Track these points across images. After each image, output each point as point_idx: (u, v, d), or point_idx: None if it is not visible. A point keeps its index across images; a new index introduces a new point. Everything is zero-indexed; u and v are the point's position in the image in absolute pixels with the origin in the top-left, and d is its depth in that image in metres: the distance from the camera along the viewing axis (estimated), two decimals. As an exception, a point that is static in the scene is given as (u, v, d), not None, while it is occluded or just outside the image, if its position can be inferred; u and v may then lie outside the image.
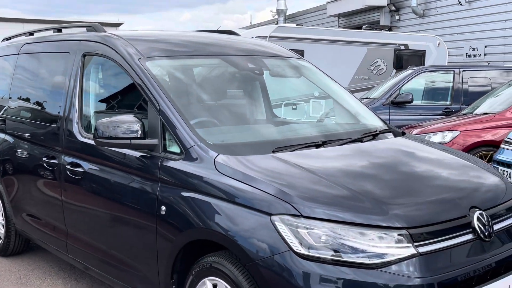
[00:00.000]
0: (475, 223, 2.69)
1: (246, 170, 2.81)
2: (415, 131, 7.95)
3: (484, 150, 7.37)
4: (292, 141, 3.28)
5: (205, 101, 3.86)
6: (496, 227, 2.80)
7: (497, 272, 2.70)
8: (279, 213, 2.56)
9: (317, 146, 3.24)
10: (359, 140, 3.47)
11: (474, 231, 2.68)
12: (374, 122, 3.95)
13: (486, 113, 7.78)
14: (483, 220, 2.72)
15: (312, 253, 2.47)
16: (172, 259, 2.95)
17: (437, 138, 7.56)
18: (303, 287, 2.43)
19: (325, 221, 2.51)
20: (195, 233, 2.86)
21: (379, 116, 4.14)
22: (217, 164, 2.87)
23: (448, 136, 7.49)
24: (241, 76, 4.22)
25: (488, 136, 7.41)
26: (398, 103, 9.73)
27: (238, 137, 3.34)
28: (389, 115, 9.76)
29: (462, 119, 7.91)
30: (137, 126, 3.10)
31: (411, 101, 9.63)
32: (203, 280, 2.84)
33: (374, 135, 3.61)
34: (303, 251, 2.47)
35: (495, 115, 7.57)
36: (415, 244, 2.48)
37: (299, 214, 2.53)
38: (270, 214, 2.57)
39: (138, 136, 3.10)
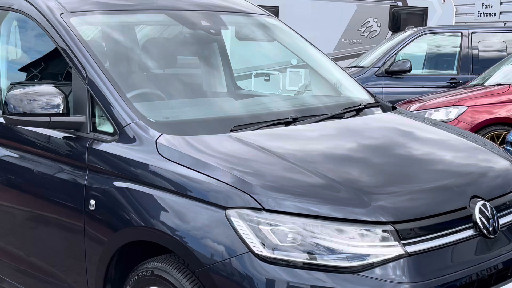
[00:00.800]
0: (477, 216, 2.72)
1: (196, 153, 2.80)
2: (413, 107, 8.04)
3: (496, 130, 7.50)
4: (255, 118, 3.27)
5: (148, 69, 3.83)
6: (502, 221, 2.84)
7: (503, 275, 2.75)
8: (236, 207, 2.55)
9: (287, 123, 3.24)
10: (339, 116, 3.48)
11: (475, 225, 2.72)
12: (359, 94, 3.97)
13: (500, 84, 7.90)
14: (487, 213, 2.76)
15: (278, 255, 2.47)
16: (105, 266, 2.93)
17: (439, 115, 7.65)
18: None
19: (294, 215, 2.52)
20: (132, 233, 2.84)
21: (367, 88, 4.16)
22: (159, 147, 2.85)
23: (453, 112, 7.59)
24: (193, 38, 4.19)
25: (502, 112, 7.54)
26: (394, 72, 9.81)
27: (187, 113, 3.32)
28: (383, 87, 9.84)
29: (471, 91, 8.02)
30: (58, 100, 3.05)
31: (409, 70, 9.72)
32: (143, 291, 2.83)
33: (357, 110, 3.62)
34: (265, 252, 2.47)
35: (510, 86, 7.69)
36: (402, 242, 2.51)
37: (261, 207, 2.53)
38: (225, 208, 2.57)
39: (60, 112, 3.04)
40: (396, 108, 3.90)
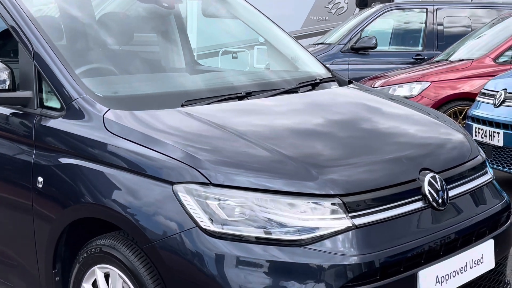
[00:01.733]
0: (426, 188, 2.73)
1: (144, 128, 2.76)
2: (378, 83, 8.07)
3: (459, 105, 7.56)
4: (207, 92, 3.25)
5: (102, 45, 3.77)
6: (452, 193, 2.86)
7: (452, 246, 2.77)
8: (184, 182, 2.53)
9: (240, 98, 3.22)
10: (294, 90, 3.47)
11: (424, 198, 2.73)
12: (316, 69, 3.96)
13: (462, 60, 7.95)
14: (436, 185, 2.77)
15: (226, 230, 2.46)
16: (53, 244, 2.89)
17: (403, 91, 7.69)
18: (214, 272, 2.42)
19: (242, 190, 2.50)
20: (80, 210, 2.80)
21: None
22: (106, 122, 2.81)
23: (417, 88, 7.63)
24: (149, 12, 4.14)
25: (464, 87, 7.59)
26: (359, 49, 9.81)
27: (138, 88, 3.28)
28: (349, 64, 9.85)
29: (434, 67, 8.06)
30: (4, 75, 2.99)
31: (375, 47, 9.72)
32: (92, 268, 2.80)
33: (313, 85, 3.61)
34: (213, 227, 2.45)
35: (473, 62, 7.74)
36: (350, 215, 2.51)
37: (208, 182, 2.51)
38: (172, 183, 2.54)
39: (6, 87, 2.99)
40: (352, 82, 3.89)
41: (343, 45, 9.98)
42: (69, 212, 2.84)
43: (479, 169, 3.11)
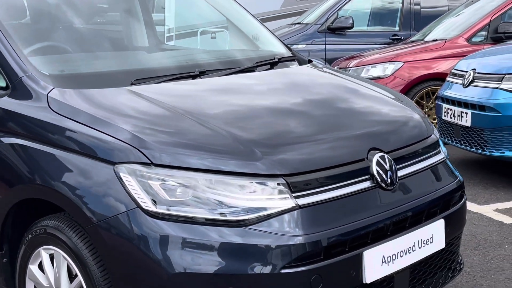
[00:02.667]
0: (374, 168, 2.71)
1: (89, 107, 2.72)
2: (352, 63, 8.03)
3: (432, 85, 7.53)
4: (159, 71, 3.21)
5: (61, 23, 3.71)
6: (402, 172, 2.84)
7: (400, 226, 2.75)
8: (125, 162, 2.49)
9: (193, 77, 3.18)
10: (251, 70, 3.43)
11: (372, 177, 2.71)
12: (277, 49, 3.92)
13: (436, 40, 7.92)
14: (385, 165, 2.75)
15: (170, 211, 2.43)
16: (-1, 225, 2.86)
17: (376, 71, 7.66)
18: (157, 254, 2.39)
19: (185, 170, 2.47)
20: (25, 190, 2.77)
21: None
22: (50, 101, 2.76)
23: (390, 68, 7.60)
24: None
25: (438, 67, 7.56)
26: (336, 29, 9.76)
27: (87, 66, 3.24)
28: (325, 44, 9.80)
29: (409, 47, 8.03)
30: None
31: (351, 27, 9.68)
32: (37, 250, 2.77)
33: (271, 64, 3.57)
34: (155, 208, 2.42)
35: (446, 42, 7.71)
36: (294, 195, 2.49)
37: (150, 162, 2.47)
38: (114, 164, 2.51)
39: None
40: (312, 61, 3.86)
41: (320, 25, 9.92)
42: (14, 193, 2.80)
43: (432, 148, 3.10)
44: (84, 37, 3.75)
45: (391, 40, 9.85)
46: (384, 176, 2.73)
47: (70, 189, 2.57)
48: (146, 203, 2.43)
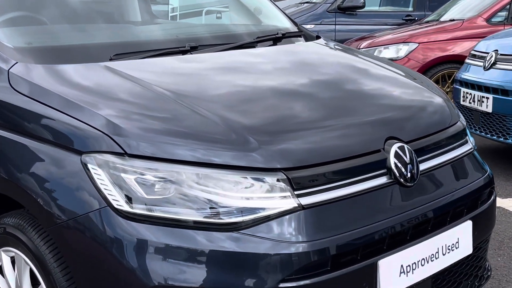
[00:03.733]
0: (392, 160, 2.29)
1: (55, 86, 2.32)
2: (363, 44, 7.59)
3: (448, 68, 7.08)
4: (144, 45, 2.79)
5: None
6: (423, 166, 2.42)
7: (421, 230, 2.34)
8: (94, 151, 2.08)
9: (184, 52, 2.77)
10: (251, 46, 3.01)
11: (390, 172, 2.29)
12: (282, 23, 3.49)
13: (453, 20, 7.46)
14: (404, 157, 2.33)
15: (143, 210, 2.02)
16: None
17: (389, 52, 7.21)
18: (130, 262, 1.99)
19: (166, 162, 2.06)
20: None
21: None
22: (12, 78, 2.36)
23: (403, 49, 7.15)
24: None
25: (454, 49, 7.11)
26: (347, 8, 9.31)
27: (61, 39, 2.82)
28: (335, 24, 9.36)
29: (423, 27, 7.57)
30: None
31: (363, 6, 9.24)
32: (-4, 252, 2.37)
33: (274, 40, 3.15)
34: (129, 208, 2.01)
35: (464, 22, 7.25)
36: (296, 193, 2.07)
37: (124, 152, 2.06)
38: (81, 153, 2.09)
39: None
40: (320, 37, 3.43)
41: (330, 4, 9.47)
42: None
43: (458, 138, 2.67)
44: (67, 9, 3.32)
45: (404, 21, 9.40)
46: (403, 170, 2.31)
47: (30, 183, 2.17)
48: (118, 201, 2.02)
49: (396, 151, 2.31)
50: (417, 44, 7.10)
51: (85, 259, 2.06)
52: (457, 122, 2.73)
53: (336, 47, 3.41)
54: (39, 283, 2.24)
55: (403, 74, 3.01)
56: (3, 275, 2.41)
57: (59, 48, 2.64)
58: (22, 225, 2.26)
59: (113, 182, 2.03)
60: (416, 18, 9.27)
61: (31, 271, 2.27)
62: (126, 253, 1.99)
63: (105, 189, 2.03)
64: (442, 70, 7.08)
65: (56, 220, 2.09)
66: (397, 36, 7.37)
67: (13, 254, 2.34)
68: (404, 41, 7.20)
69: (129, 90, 2.36)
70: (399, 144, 2.34)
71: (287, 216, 2.05)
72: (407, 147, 2.36)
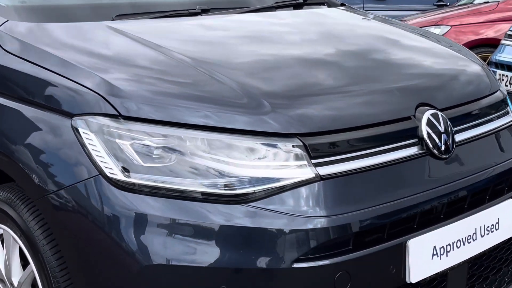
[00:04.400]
0: (424, 129, 2.03)
1: (47, 45, 2.09)
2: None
3: (482, 52, 6.75)
4: (151, 6, 2.57)
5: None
6: (460, 137, 2.15)
7: (457, 208, 2.07)
8: (86, 113, 1.85)
9: (193, 15, 2.54)
10: (266, 10, 2.77)
11: (421, 141, 2.02)
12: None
13: (488, 2, 7.12)
14: (438, 126, 2.06)
15: (147, 180, 1.77)
16: None
17: (420, 35, 6.89)
18: (126, 240, 1.75)
19: (167, 125, 1.81)
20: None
21: None
22: (2, 36, 2.14)
23: (435, 32, 6.82)
24: None
25: (488, 32, 6.77)
26: (376, -7, 9.03)
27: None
28: (363, 10, 9.03)
29: (457, 9, 7.24)
30: None
31: (392, -9, 8.94)
32: (-16, 228, 2.16)
33: (295, 6, 2.91)
34: (123, 176, 1.77)
35: (499, 3, 6.90)
36: (313, 161, 1.82)
37: (118, 114, 1.82)
38: (72, 116, 1.86)
39: None
40: (345, 5, 3.16)
41: (358, -11, 9.19)
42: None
43: (498, 108, 2.39)
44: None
45: (435, 6, 9.07)
46: (437, 140, 2.04)
47: (16, 150, 1.95)
48: (112, 169, 1.78)
49: (428, 119, 2.05)
50: (450, 27, 6.78)
51: (75, 235, 1.83)
52: (496, 91, 2.45)
53: (364, 14, 3.14)
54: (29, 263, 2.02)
55: (439, 42, 2.73)
56: (-8, 254, 2.19)
57: (55, 7, 2.43)
58: (12, 199, 2.04)
59: (106, 147, 1.80)
60: (448, 4, 8.94)
61: (21, 251, 2.05)
62: (119, 228, 1.75)
63: (97, 155, 1.80)
64: (476, 54, 6.75)
65: (43, 192, 1.86)
66: (428, 19, 7.06)
67: (1, 231, 2.12)
68: (436, 24, 6.88)
69: (130, 50, 2.14)
70: (432, 111, 2.08)
71: (303, 188, 1.80)
72: (442, 115, 2.09)
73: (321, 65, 2.28)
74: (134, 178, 1.77)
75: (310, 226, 1.76)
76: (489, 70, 2.62)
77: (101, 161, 1.79)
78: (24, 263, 2.08)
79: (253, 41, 2.44)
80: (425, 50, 2.60)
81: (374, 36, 2.70)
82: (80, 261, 1.84)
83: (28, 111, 1.98)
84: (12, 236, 2.05)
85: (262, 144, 1.81)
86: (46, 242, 1.92)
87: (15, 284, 2.08)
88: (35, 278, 1.99)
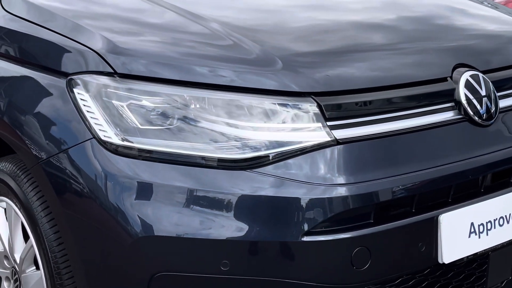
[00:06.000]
0: (461, 91, 1.79)
1: (46, 5, 1.96)
2: None
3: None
4: None
5: None
6: (504, 103, 1.91)
7: (500, 182, 1.83)
8: (81, 72, 1.70)
9: None
10: None
11: (458, 106, 1.79)
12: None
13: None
14: (479, 89, 1.82)
15: (146, 144, 1.61)
16: None
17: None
18: (120, 210, 1.59)
19: (168, 83, 1.64)
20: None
21: None
22: (1, -4, 2.04)
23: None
24: None
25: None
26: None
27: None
28: None
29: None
30: None
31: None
32: (-12, 202, 2.05)
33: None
34: (119, 140, 1.61)
35: None
36: (328, 124, 1.61)
37: (114, 71, 1.66)
38: (67, 75, 1.72)
39: None
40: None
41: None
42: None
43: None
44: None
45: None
46: (477, 104, 1.80)
47: (10, 115, 1.83)
48: (106, 132, 1.63)
49: (467, 81, 1.81)
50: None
51: (68, 204, 1.68)
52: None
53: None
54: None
55: (507, 13, 2.46)
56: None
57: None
58: (14, 170, 1.92)
59: (101, 108, 1.64)
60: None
61: (23, 225, 1.93)
62: (113, 195, 1.59)
63: (91, 117, 1.65)
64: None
65: (38, 158, 1.72)
66: None
67: (5, 205, 2.01)
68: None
69: (133, 5, 2.00)
70: (472, 72, 1.84)
71: (317, 152, 1.60)
72: (483, 77, 1.85)
73: (367, 29, 2.06)
74: (130, 142, 1.61)
75: (325, 195, 1.56)
76: None
77: (95, 123, 1.64)
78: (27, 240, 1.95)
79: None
80: (486, 17, 2.34)
81: (438, 5, 2.43)
82: (74, 232, 1.69)
83: (21, 72, 1.86)
84: (14, 210, 1.93)
85: (273, 104, 1.63)
86: (44, 215, 1.79)
87: (18, 260, 1.96)
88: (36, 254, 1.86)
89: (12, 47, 1.93)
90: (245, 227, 1.55)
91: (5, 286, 2.08)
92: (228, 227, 1.55)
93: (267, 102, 1.62)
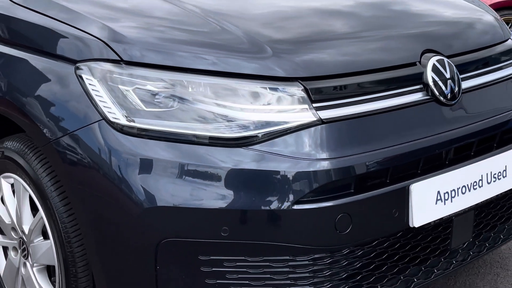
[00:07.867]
0: (429, 74, 2.02)
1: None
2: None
3: (506, 15, 6.63)
4: None
5: None
6: (466, 84, 2.13)
7: (463, 154, 2.06)
8: (89, 59, 1.87)
9: None
10: None
11: (426, 87, 2.01)
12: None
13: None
14: (444, 72, 2.04)
15: (150, 125, 1.79)
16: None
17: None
18: (128, 183, 1.77)
19: (169, 70, 1.83)
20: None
21: None
22: (8, -13, 2.17)
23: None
24: None
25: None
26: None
27: None
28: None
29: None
30: None
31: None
32: (-4, 178, 2.21)
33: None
34: (126, 121, 1.80)
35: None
36: (314, 105, 1.82)
37: (120, 59, 1.84)
38: (75, 62, 1.89)
39: None
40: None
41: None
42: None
43: (508, 56, 2.36)
44: None
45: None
46: (442, 86, 2.03)
47: (21, 98, 1.99)
48: (115, 113, 1.81)
49: (434, 65, 2.03)
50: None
51: (80, 180, 1.86)
52: (507, 39, 2.41)
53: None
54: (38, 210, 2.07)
55: None
56: (3, 203, 2.24)
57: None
58: (22, 148, 2.08)
59: (109, 93, 1.82)
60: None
61: (31, 199, 2.10)
62: (123, 170, 1.78)
63: (100, 101, 1.82)
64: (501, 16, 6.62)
65: (49, 138, 1.89)
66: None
67: (12, 181, 2.17)
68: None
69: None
70: (438, 57, 2.06)
71: (304, 131, 1.80)
72: (448, 61, 2.07)
73: (334, 15, 2.26)
74: (137, 123, 1.80)
75: (311, 168, 1.77)
76: (502, 21, 2.58)
77: (104, 106, 1.82)
78: (35, 213, 2.12)
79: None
80: (443, 2, 2.55)
81: None
82: (85, 206, 1.87)
83: (31, 59, 2.01)
84: (22, 185, 2.10)
85: (264, 88, 1.82)
86: (54, 189, 1.96)
87: (26, 231, 2.13)
88: (44, 225, 2.04)
89: (26, 36, 2.07)
90: (242, 198, 1.75)
91: (13, 256, 2.25)
92: (227, 198, 1.75)
93: (259, 87, 1.82)
